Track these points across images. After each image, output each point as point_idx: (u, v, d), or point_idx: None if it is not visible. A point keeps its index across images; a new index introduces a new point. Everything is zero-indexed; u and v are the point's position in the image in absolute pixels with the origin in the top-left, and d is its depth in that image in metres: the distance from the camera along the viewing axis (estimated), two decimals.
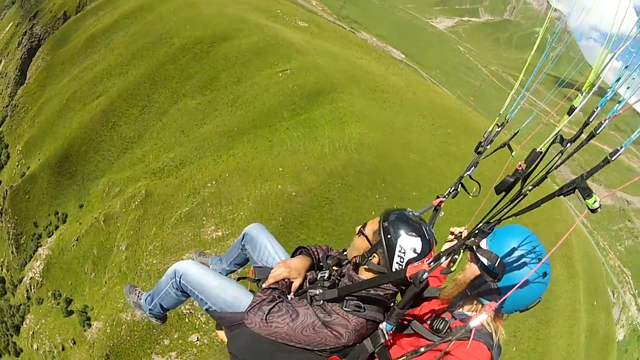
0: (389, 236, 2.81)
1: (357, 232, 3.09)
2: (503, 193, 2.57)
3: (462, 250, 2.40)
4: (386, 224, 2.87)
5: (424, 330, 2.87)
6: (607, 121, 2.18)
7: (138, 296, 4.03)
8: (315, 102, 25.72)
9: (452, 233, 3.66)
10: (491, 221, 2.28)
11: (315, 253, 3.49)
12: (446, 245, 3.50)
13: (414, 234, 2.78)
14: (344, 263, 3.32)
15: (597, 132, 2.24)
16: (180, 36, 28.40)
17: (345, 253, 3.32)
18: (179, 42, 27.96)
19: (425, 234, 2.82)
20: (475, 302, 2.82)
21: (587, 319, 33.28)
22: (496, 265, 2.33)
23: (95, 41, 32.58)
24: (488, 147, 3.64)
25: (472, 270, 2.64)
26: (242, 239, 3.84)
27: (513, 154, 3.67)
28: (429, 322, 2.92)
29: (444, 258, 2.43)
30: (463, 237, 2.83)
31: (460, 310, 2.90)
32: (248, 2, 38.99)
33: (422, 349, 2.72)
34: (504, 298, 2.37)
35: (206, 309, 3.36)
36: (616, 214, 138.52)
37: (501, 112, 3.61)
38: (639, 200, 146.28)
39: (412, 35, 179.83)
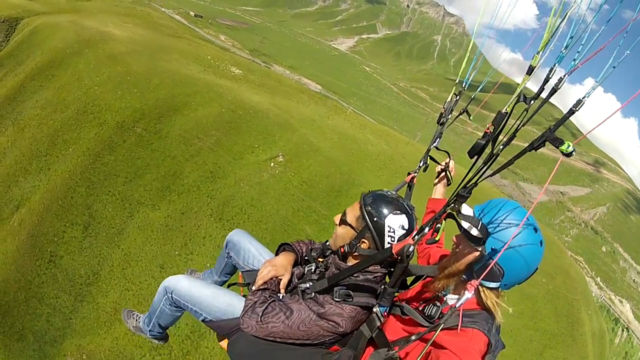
0: (375, 219, 2.85)
1: (338, 222, 3.11)
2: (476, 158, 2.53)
3: (444, 218, 2.39)
4: (368, 208, 2.90)
5: (416, 315, 2.73)
6: (567, 75, 2.12)
7: (137, 320, 4.02)
8: (338, 204, 19.62)
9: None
10: (468, 185, 2.27)
11: (299, 248, 3.50)
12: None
13: (399, 211, 2.85)
14: (327, 253, 3.33)
15: (559, 87, 2.15)
16: (112, 109, 20.19)
17: (328, 243, 3.35)
18: (113, 119, 19.81)
19: (408, 210, 2.89)
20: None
21: (589, 326, 31.02)
22: (479, 228, 2.38)
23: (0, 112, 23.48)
24: (449, 116, 3.73)
25: (464, 256, 2.63)
26: (226, 248, 3.85)
27: (471, 118, 3.71)
28: (420, 307, 2.83)
29: (427, 229, 2.44)
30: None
31: (453, 295, 2.78)
32: (175, 48, 32.24)
33: (413, 337, 2.57)
34: (487, 270, 2.41)
35: (202, 320, 3.32)
36: (554, 207, 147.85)
37: (457, 81, 3.78)
38: (571, 189, 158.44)
39: (319, 61, 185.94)
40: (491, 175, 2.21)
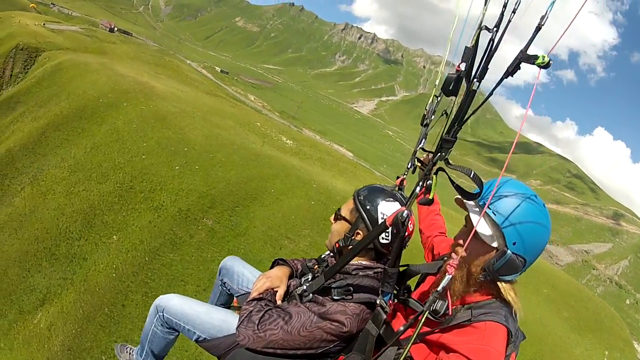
0: (368, 207, 2.77)
1: (332, 220, 3.01)
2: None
3: (434, 174, 2.35)
4: (361, 198, 2.83)
5: (420, 308, 2.50)
6: None
7: (130, 353, 3.87)
8: None
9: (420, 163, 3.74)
10: (452, 129, 2.11)
11: (293, 264, 3.34)
12: None
13: (391, 199, 2.78)
14: (323, 264, 3.19)
15: (516, 6, 2.05)
16: (170, 190, 15.77)
17: (322, 257, 3.28)
18: (173, 205, 14.81)
19: (401, 199, 2.81)
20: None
21: None
22: (471, 176, 2.18)
23: (14, 163, 19.41)
24: (432, 117, 3.62)
25: (478, 257, 2.28)
26: (219, 275, 3.70)
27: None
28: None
29: (417, 188, 2.28)
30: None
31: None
32: (225, 111, 28.85)
33: (402, 328, 2.26)
34: (466, 245, 2.18)
35: (196, 340, 3.11)
36: (580, 267, 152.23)
37: (437, 83, 3.58)
38: (594, 246, 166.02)
39: (344, 125, 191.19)
40: (473, 113, 2.07)
